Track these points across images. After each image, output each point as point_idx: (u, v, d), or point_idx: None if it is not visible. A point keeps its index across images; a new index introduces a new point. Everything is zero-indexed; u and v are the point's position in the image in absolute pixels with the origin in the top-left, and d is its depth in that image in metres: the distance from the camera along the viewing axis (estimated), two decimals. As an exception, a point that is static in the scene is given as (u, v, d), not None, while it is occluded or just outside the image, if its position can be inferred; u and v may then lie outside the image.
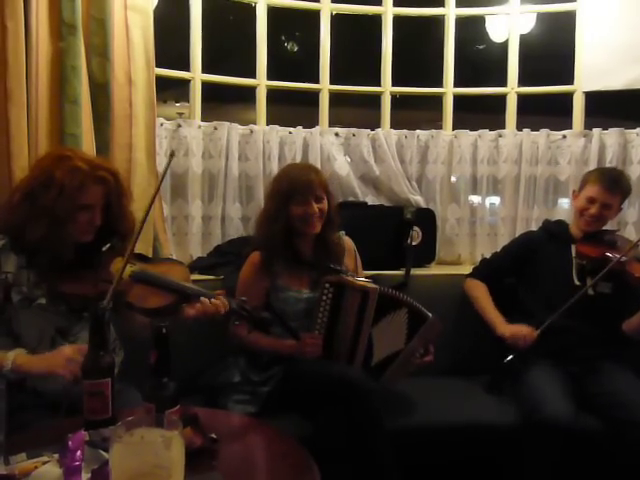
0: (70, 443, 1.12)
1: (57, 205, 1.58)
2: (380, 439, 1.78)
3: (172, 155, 1.75)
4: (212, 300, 1.66)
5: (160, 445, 0.93)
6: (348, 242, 2.24)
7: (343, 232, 2.22)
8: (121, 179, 1.74)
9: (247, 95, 3.07)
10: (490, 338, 2.21)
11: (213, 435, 1.28)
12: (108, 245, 1.69)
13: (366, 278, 2.12)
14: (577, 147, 2.96)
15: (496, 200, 3.11)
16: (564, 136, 2.99)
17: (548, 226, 2.44)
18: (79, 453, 1.11)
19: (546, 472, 1.89)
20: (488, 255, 2.65)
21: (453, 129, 3.06)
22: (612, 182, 2.23)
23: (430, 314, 2.00)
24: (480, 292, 2.36)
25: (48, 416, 1.49)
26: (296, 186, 2.05)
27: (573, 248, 2.28)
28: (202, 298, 1.66)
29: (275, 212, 2.07)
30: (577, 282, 2.21)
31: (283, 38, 5.44)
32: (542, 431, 1.87)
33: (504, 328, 2.18)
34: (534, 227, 2.75)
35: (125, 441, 0.93)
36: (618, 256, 2.09)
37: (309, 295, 2.06)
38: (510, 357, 2.09)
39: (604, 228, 2.33)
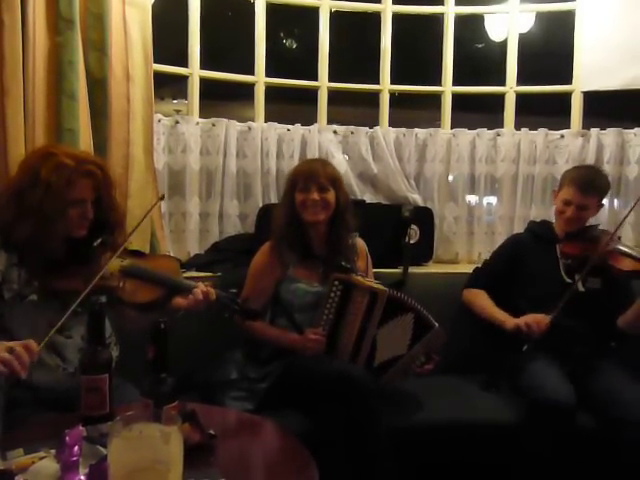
0: (67, 439, 1.12)
1: (45, 203, 1.56)
2: (379, 437, 1.77)
3: (162, 198, 1.97)
4: (200, 289, 1.67)
5: (159, 440, 0.92)
6: (361, 244, 2.24)
7: (356, 234, 2.21)
8: (108, 171, 1.73)
9: (245, 93, 3.06)
10: (490, 337, 2.21)
11: (211, 431, 1.28)
12: (99, 240, 1.68)
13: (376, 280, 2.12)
14: (575, 147, 2.96)
15: (494, 199, 3.11)
16: (562, 136, 2.99)
17: (533, 227, 2.46)
18: (76, 449, 1.11)
19: (544, 458, 1.90)
20: (485, 254, 2.65)
21: (451, 128, 3.06)
22: (587, 184, 2.23)
23: (436, 324, 2.00)
24: (480, 298, 2.36)
25: (45, 412, 1.48)
26: (299, 173, 2.11)
27: (558, 247, 2.28)
28: (193, 290, 1.67)
29: (283, 200, 2.14)
30: (567, 280, 2.22)
31: (282, 35, 5.43)
32: (542, 411, 1.89)
33: (515, 320, 2.16)
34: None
35: (124, 436, 0.92)
36: (601, 249, 2.11)
37: (319, 289, 2.06)
38: (526, 346, 2.07)
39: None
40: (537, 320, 2.09)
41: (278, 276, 2.07)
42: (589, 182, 2.25)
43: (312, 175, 2.07)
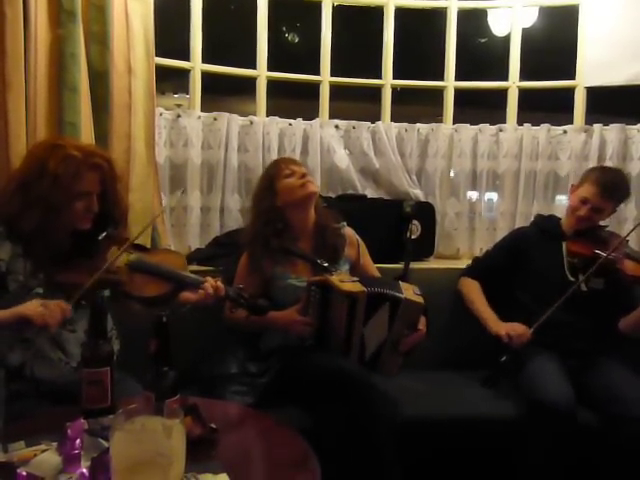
0: (69, 431, 1.12)
1: (52, 194, 1.56)
2: (380, 432, 1.76)
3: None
4: (209, 284, 1.68)
5: (161, 433, 0.93)
6: (350, 232, 2.23)
7: (344, 223, 2.22)
8: (114, 165, 1.73)
9: (247, 87, 3.05)
10: (487, 334, 2.21)
11: (213, 425, 1.28)
12: (104, 234, 1.68)
13: (356, 278, 2.04)
14: (577, 142, 2.95)
15: (495, 195, 3.11)
16: (565, 131, 2.98)
17: (539, 222, 2.45)
18: (78, 441, 1.11)
19: (545, 455, 1.90)
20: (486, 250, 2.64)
21: (453, 123, 3.05)
22: (610, 188, 2.21)
23: (402, 296, 1.94)
24: (473, 291, 2.36)
25: (47, 406, 1.48)
26: (277, 164, 2.15)
27: (564, 245, 2.28)
28: (204, 285, 1.67)
29: (258, 206, 2.11)
30: (571, 278, 2.21)
31: (284, 29, 5.40)
32: (542, 413, 1.89)
33: (498, 327, 2.17)
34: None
35: (126, 429, 0.92)
36: (609, 252, 2.10)
37: None
38: (505, 357, 2.08)
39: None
40: (518, 333, 2.09)
41: (264, 277, 2.05)
42: (613, 187, 2.22)
43: (291, 160, 2.17)
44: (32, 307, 1.45)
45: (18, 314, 1.45)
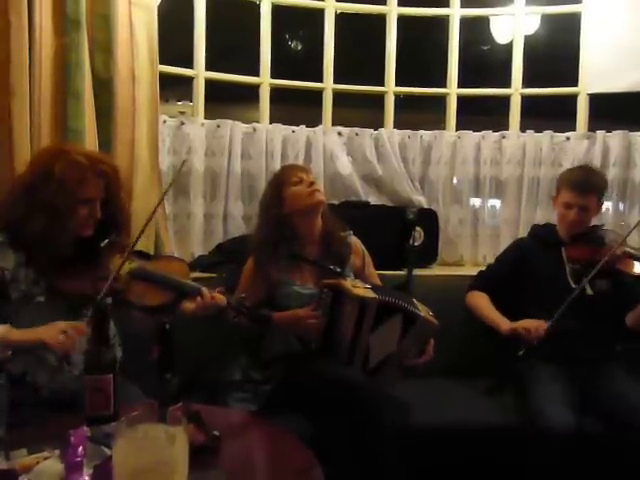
0: (72, 439, 1.11)
1: (57, 199, 1.56)
2: (383, 441, 1.76)
3: (184, 163, 1.87)
4: (210, 294, 1.67)
5: (163, 441, 0.92)
6: (355, 241, 2.23)
7: (350, 232, 2.21)
8: (119, 172, 1.73)
9: (250, 95, 3.07)
10: (495, 340, 2.20)
11: (216, 432, 1.27)
12: (106, 241, 1.68)
13: (369, 285, 2.04)
14: (581, 149, 2.95)
15: (499, 202, 3.10)
16: (568, 138, 2.98)
17: (537, 231, 2.44)
18: (81, 449, 1.11)
19: (548, 477, 1.89)
20: (490, 257, 2.64)
21: (456, 130, 3.05)
22: (584, 184, 2.22)
23: (421, 314, 1.96)
24: (481, 302, 2.34)
25: (48, 412, 1.48)
26: (286, 171, 2.15)
27: (563, 252, 2.27)
28: (201, 293, 1.67)
29: (266, 212, 2.11)
30: (574, 285, 2.19)
31: (287, 36, 5.43)
32: (542, 441, 1.87)
33: (511, 324, 2.15)
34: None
35: (128, 437, 0.92)
36: (608, 254, 2.09)
37: (313, 291, 2.04)
38: (522, 351, 2.06)
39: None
40: (535, 326, 2.07)
41: (269, 284, 2.05)
42: (586, 181, 2.23)
43: (299, 167, 2.18)
44: (53, 334, 1.46)
45: (39, 340, 1.47)
